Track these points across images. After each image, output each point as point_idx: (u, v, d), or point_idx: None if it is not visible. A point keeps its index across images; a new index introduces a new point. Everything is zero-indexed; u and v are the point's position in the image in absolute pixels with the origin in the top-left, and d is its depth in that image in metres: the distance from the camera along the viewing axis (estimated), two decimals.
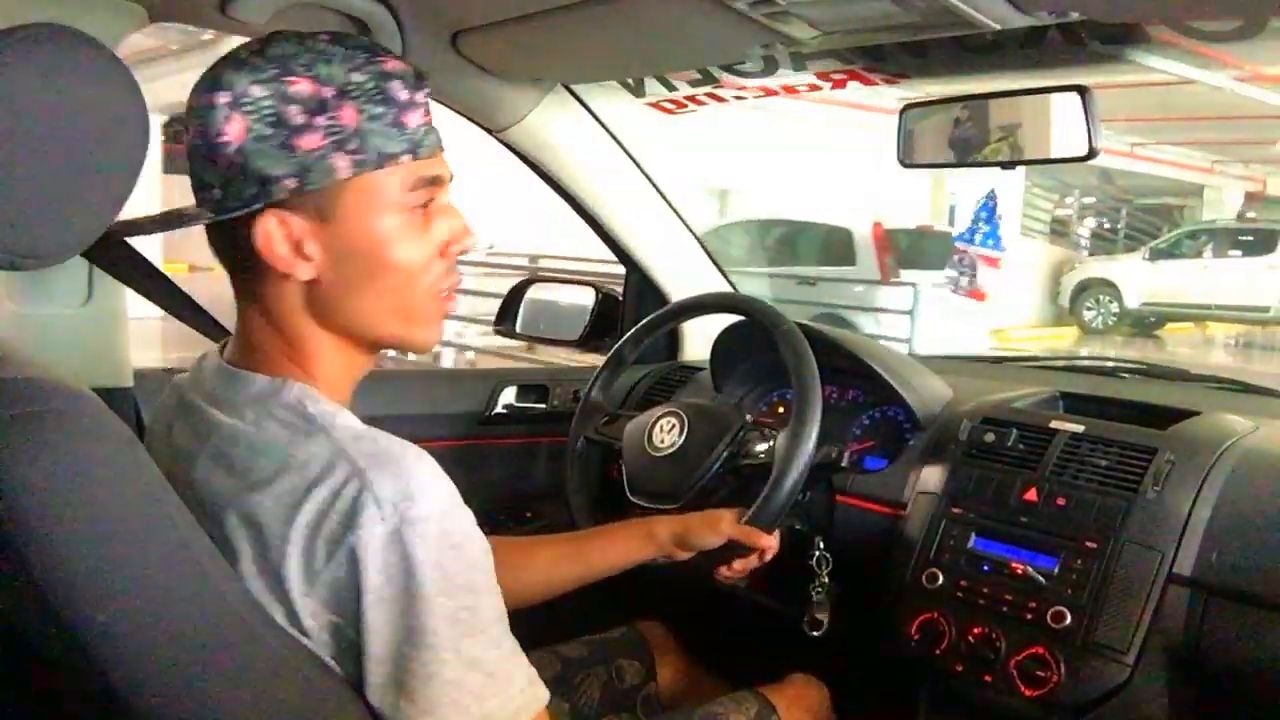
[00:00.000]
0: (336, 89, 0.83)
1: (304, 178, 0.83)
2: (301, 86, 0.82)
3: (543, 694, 0.87)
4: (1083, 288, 15.27)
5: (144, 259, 1.32)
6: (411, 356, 6.30)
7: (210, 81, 0.83)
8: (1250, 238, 14.19)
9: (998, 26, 1.18)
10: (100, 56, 0.76)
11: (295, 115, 0.82)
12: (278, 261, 0.85)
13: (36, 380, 0.71)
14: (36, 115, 0.71)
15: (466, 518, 0.82)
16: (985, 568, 1.32)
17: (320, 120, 0.82)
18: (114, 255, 1.26)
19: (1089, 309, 15.05)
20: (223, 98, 0.82)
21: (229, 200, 0.83)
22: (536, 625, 1.03)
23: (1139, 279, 14.63)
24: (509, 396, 1.91)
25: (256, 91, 0.81)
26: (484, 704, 0.81)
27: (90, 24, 0.92)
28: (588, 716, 1.41)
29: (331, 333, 0.90)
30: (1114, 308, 14.82)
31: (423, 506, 0.79)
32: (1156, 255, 14.96)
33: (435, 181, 0.90)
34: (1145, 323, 14.83)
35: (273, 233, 0.84)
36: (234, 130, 0.81)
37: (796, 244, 10.84)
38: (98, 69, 0.76)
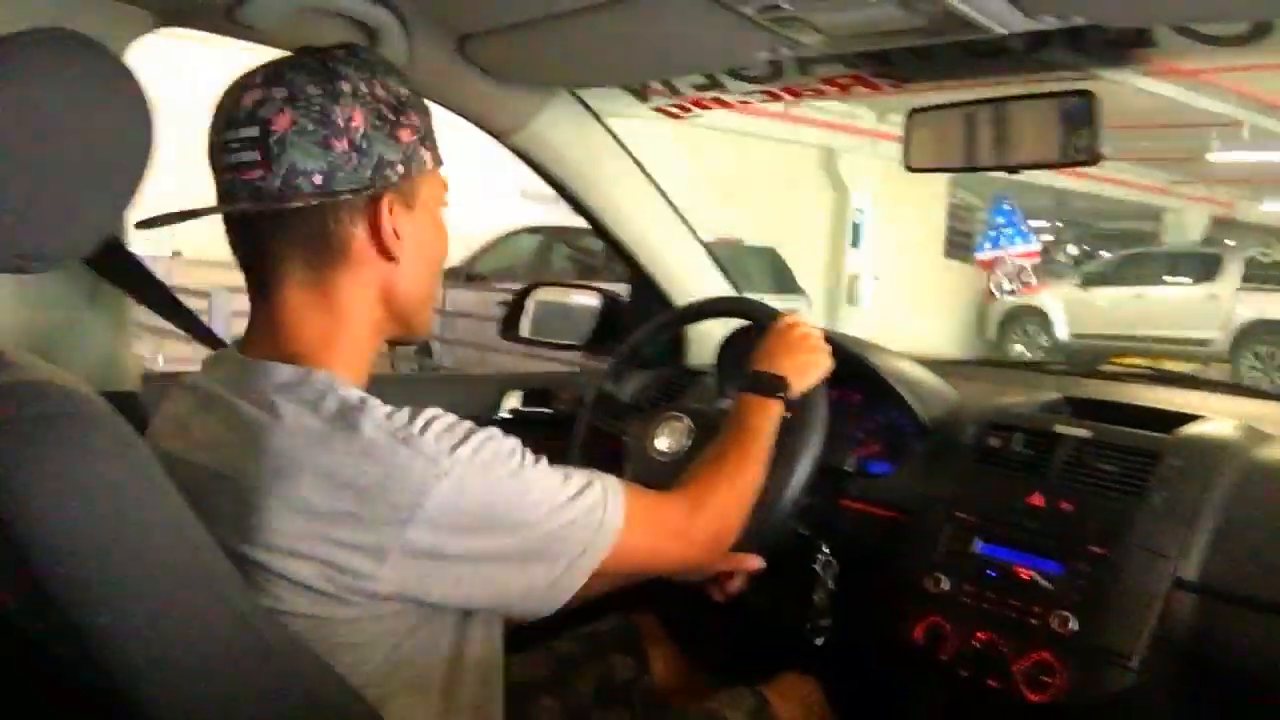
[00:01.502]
0: (396, 98, 0.93)
1: (409, 166, 0.93)
2: (381, 91, 0.91)
3: (617, 482, 1.01)
4: (1010, 317, 13.70)
5: (144, 267, 1.33)
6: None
7: (322, 72, 0.89)
8: (1190, 263, 12.78)
9: (1003, 31, 1.18)
10: (106, 61, 0.77)
11: (388, 113, 0.91)
12: (387, 242, 0.94)
13: (43, 383, 0.71)
14: (42, 119, 0.71)
15: (493, 430, 0.92)
16: (990, 573, 1.32)
17: (403, 119, 0.93)
18: (115, 262, 1.27)
19: (1016, 342, 13.57)
20: (345, 85, 0.89)
21: (336, 184, 0.89)
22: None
23: (1071, 308, 13.16)
24: (513, 401, 1.91)
25: (364, 87, 0.90)
26: (596, 519, 0.96)
27: (96, 29, 0.92)
28: (580, 713, 1.41)
29: (383, 316, 0.99)
30: (1043, 340, 13.30)
31: (471, 443, 0.88)
32: (1090, 281, 13.46)
33: (446, 186, 1.02)
34: (1083, 359, 12.74)
35: (387, 214, 0.93)
36: (360, 116, 0.89)
37: (576, 260, 9.11)
38: (103, 74, 0.76)
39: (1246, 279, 12.00)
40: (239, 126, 0.88)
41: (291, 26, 1.32)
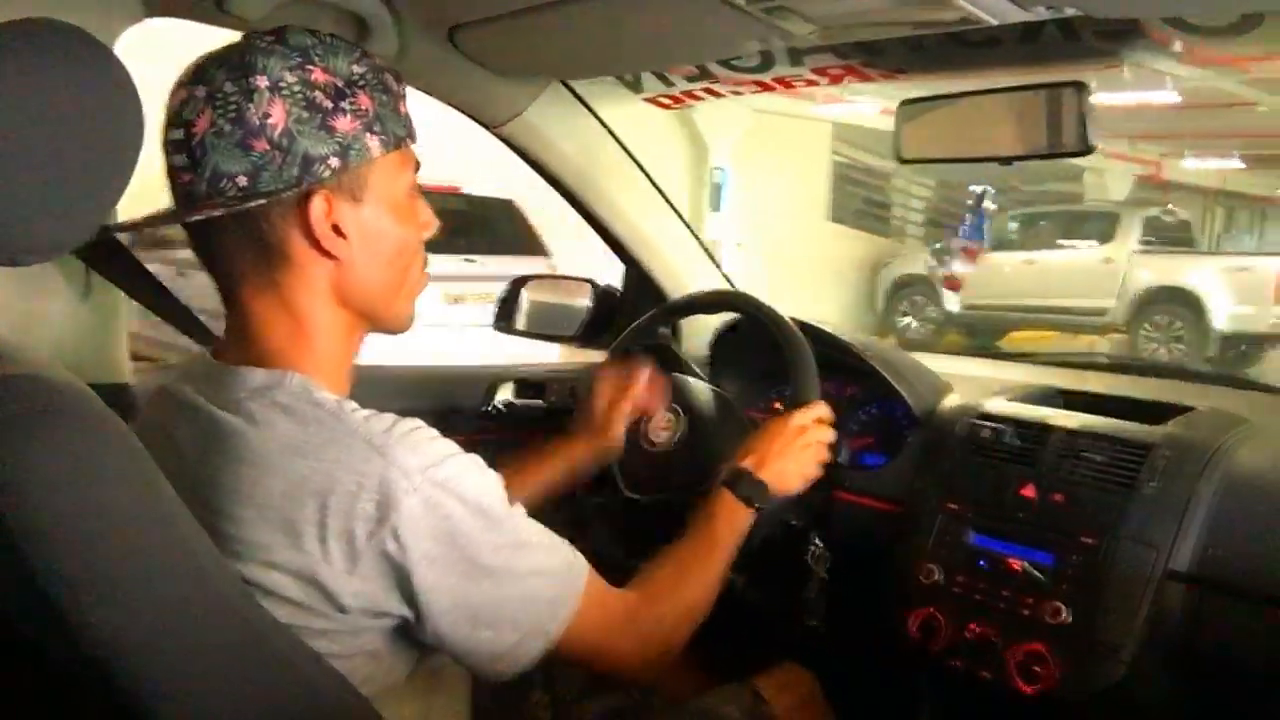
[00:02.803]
0: (345, 79, 0.87)
1: (345, 157, 0.87)
2: (319, 75, 0.86)
3: (583, 562, 0.98)
4: (897, 288, 12.17)
5: (136, 260, 1.32)
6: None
7: (240, 67, 0.84)
8: (1086, 224, 11.30)
9: (995, 21, 1.18)
10: (95, 52, 0.76)
11: (323, 100, 0.86)
12: (323, 241, 0.88)
13: (36, 377, 0.71)
14: (30, 111, 0.71)
15: (477, 459, 0.90)
16: (982, 564, 1.32)
17: (345, 105, 0.87)
18: (106, 256, 1.26)
19: (904, 314, 11.97)
20: (262, 81, 0.84)
21: (262, 185, 0.84)
22: None
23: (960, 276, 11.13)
24: (506, 393, 1.91)
25: (289, 77, 0.85)
26: (551, 596, 0.93)
27: (86, 19, 0.91)
28: (569, 702, 1.42)
29: (347, 315, 0.94)
30: (931, 312, 11.71)
31: (447, 467, 0.86)
32: None
33: (418, 166, 0.96)
34: (978, 330, 11.44)
35: (321, 213, 0.87)
36: (277, 113, 0.84)
37: None
38: (92, 64, 0.76)
39: (1147, 241, 10.71)
40: (170, 128, 0.86)
41: (281, 18, 1.32)
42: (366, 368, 1.00)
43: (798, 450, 1.30)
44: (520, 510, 0.93)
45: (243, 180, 0.84)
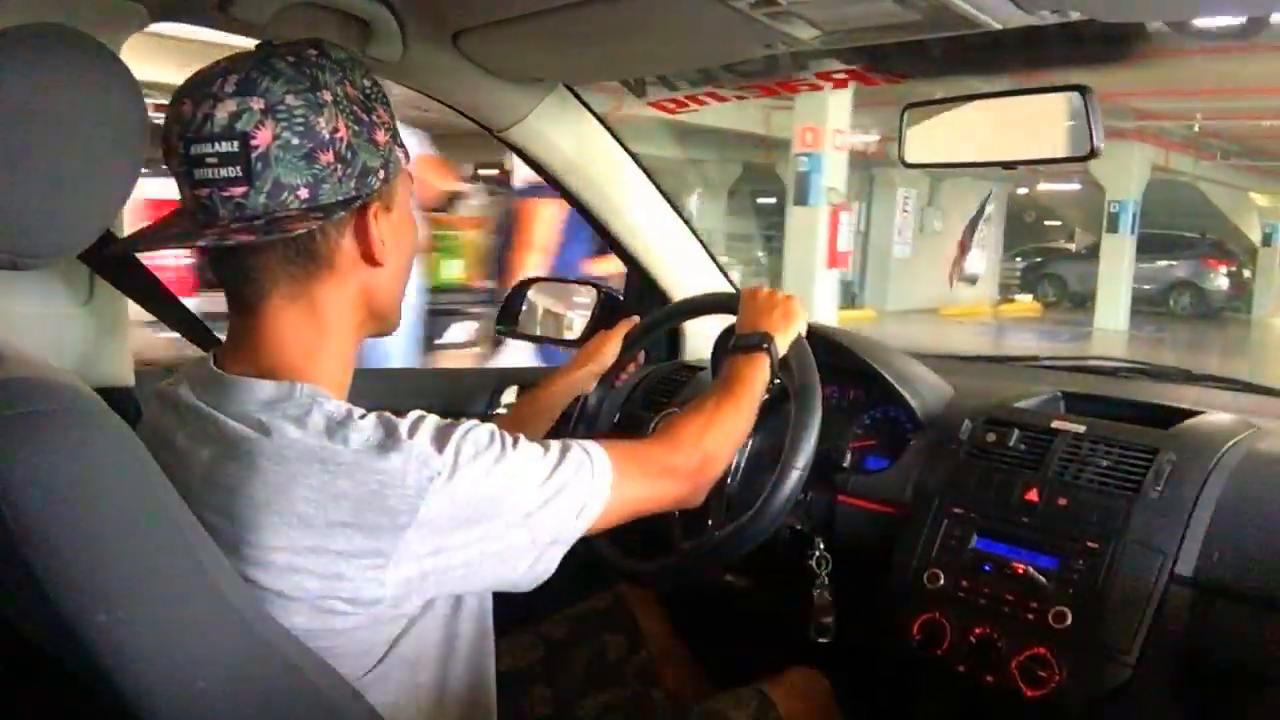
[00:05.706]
0: (364, 93, 0.89)
1: (388, 169, 0.91)
2: (352, 90, 0.88)
3: (597, 448, 1.00)
4: None
5: (141, 264, 1.33)
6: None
7: (303, 79, 0.85)
8: None
9: (999, 26, 1.18)
10: (100, 57, 0.76)
11: (361, 114, 0.88)
12: (375, 251, 0.92)
13: (38, 380, 0.71)
14: (36, 115, 0.71)
15: (470, 421, 0.91)
16: (986, 568, 1.32)
17: (374, 118, 0.89)
18: (112, 261, 1.26)
19: None
20: (326, 95, 0.85)
21: (322, 197, 0.86)
22: (518, 603, 1.04)
23: None
24: (510, 396, 1.91)
25: (340, 91, 0.87)
26: (586, 488, 0.96)
27: (91, 25, 0.92)
28: (572, 697, 1.42)
29: (365, 320, 0.97)
30: None
31: (453, 443, 0.87)
32: None
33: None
34: None
35: (374, 222, 0.91)
36: (343, 126, 0.86)
37: None
38: (98, 69, 0.76)
39: None
40: (215, 140, 0.83)
41: (285, 22, 1.32)
42: (374, 370, 1.01)
43: (767, 301, 1.39)
44: (521, 438, 0.95)
45: (304, 193, 0.85)
